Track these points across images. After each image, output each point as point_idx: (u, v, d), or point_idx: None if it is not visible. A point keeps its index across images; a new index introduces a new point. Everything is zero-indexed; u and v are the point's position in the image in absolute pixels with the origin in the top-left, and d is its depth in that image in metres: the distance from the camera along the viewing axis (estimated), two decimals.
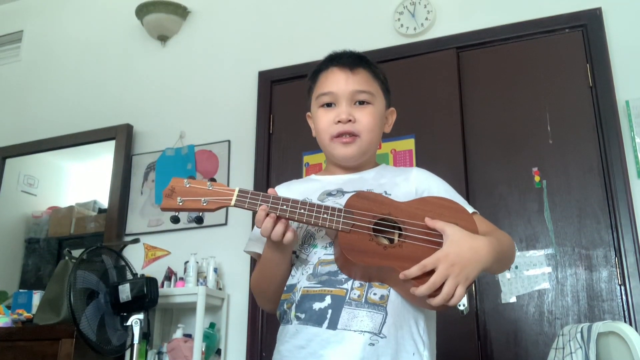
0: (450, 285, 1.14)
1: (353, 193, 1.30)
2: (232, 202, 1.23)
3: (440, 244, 1.20)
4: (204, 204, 1.22)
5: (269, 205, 1.21)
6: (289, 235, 1.22)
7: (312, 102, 1.48)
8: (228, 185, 3.51)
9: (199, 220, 1.29)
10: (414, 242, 1.21)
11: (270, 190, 1.25)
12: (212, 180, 1.26)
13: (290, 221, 1.24)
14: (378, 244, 1.21)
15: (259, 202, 1.22)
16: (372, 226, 1.23)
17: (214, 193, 1.23)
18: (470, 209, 1.35)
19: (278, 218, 1.21)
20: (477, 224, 1.29)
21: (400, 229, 1.24)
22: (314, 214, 1.22)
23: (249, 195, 1.23)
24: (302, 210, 1.22)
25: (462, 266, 1.15)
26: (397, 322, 1.21)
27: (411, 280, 1.15)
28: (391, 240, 1.25)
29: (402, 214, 1.25)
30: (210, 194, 1.23)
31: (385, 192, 1.34)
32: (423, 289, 1.14)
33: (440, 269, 1.14)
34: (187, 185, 1.24)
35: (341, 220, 1.22)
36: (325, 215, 1.22)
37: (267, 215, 1.21)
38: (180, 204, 1.22)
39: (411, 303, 1.22)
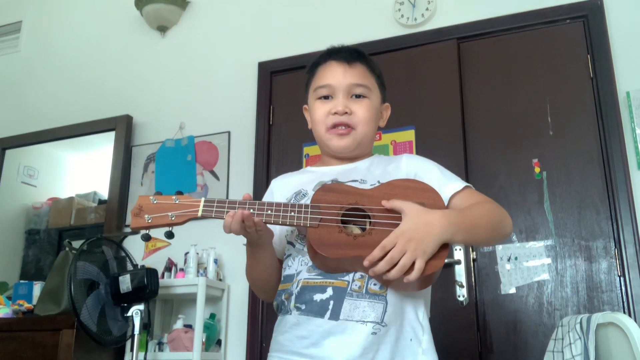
0: (406, 259, 1.15)
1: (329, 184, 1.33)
2: (199, 213, 1.26)
3: None
4: (172, 219, 1.26)
5: (236, 211, 1.24)
6: (257, 229, 1.26)
7: (310, 95, 1.50)
8: (228, 176, 3.49)
9: (169, 235, 1.31)
10: (383, 227, 1.22)
11: (245, 196, 1.28)
12: (179, 193, 1.29)
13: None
14: (347, 235, 1.23)
15: (225, 210, 1.25)
16: (339, 218, 1.24)
17: (181, 206, 1.26)
18: (462, 184, 1.37)
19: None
20: (466, 199, 1.33)
21: (369, 216, 1.25)
22: (281, 213, 1.25)
23: (215, 204, 1.26)
24: (269, 212, 1.25)
25: (419, 240, 1.17)
26: (397, 311, 1.24)
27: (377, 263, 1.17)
28: (363, 228, 1.26)
29: (369, 201, 1.27)
30: (177, 207, 1.26)
31: (379, 182, 1.36)
32: (382, 265, 1.16)
33: (398, 245, 1.16)
34: (154, 202, 1.27)
35: (309, 216, 1.24)
36: (292, 214, 1.24)
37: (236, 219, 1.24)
38: (149, 221, 1.26)
39: (390, 288, 1.24)
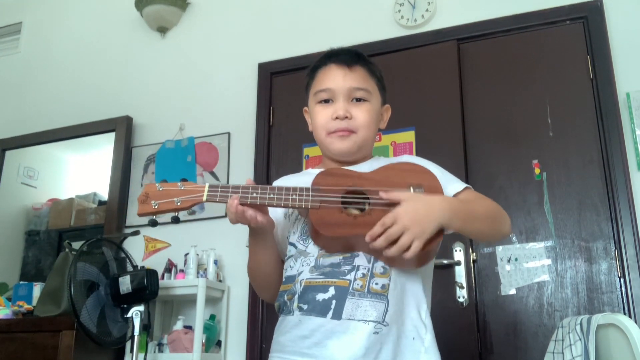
0: (406, 238, 1.18)
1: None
2: (204, 198, 1.28)
3: None
4: (178, 204, 1.29)
5: (239, 195, 1.26)
6: (253, 223, 1.29)
7: (310, 98, 1.50)
8: (228, 178, 3.49)
9: (176, 220, 1.33)
10: (381, 207, 1.25)
11: (248, 181, 1.31)
12: (184, 180, 1.32)
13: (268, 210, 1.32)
14: (348, 215, 1.26)
15: (229, 194, 1.27)
16: (340, 199, 1.28)
17: (186, 192, 1.29)
18: (462, 185, 1.39)
19: (250, 206, 1.27)
20: (465, 197, 1.36)
21: (368, 198, 1.29)
22: (283, 196, 1.27)
23: (219, 189, 1.29)
24: (271, 195, 1.27)
25: (418, 221, 1.19)
26: (399, 310, 1.25)
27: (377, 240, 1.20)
28: (362, 210, 1.29)
29: (368, 183, 1.30)
30: (182, 193, 1.29)
31: None
32: (380, 241, 1.18)
33: (398, 223, 1.18)
34: (160, 189, 1.30)
35: (310, 197, 1.27)
36: (294, 196, 1.27)
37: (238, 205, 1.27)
38: (156, 207, 1.29)
39: (391, 265, 1.26)
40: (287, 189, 1.28)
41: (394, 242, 1.18)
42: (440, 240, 1.23)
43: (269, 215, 1.33)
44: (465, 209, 1.29)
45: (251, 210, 1.27)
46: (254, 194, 1.27)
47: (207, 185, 1.29)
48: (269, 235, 1.37)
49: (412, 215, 1.19)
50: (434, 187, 1.30)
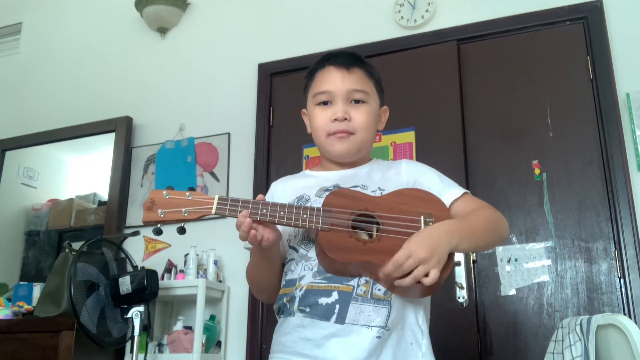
0: (421, 270, 1.16)
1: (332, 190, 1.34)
2: (213, 211, 1.26)
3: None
4: (185, 214, 1.26)
5: (249, 210, 1.25)
6: (264, 244, 1.28)
7: (308, 100, 1.50)
8: (228, 178, 3.47)
9: (182, 230, 1.31)
10: (391, 235, 1.24)
11: (259, 197, 1.29)
12: (191, 189, 1.29)
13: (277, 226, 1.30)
14: (357, 240, 1.25)
15: (239, 209, 1.25)
16: (350, 222, 1.26)
17: (194, 203, 1.27)
18: (460, 191, 1.40)
19: (259, 223, 1.25)
20: (465, 205, 1.36)
21: (377, 223, 1.27)
22: (294, 215, 1.26)
23: (229, 202, 1.27)
24: (281, 213, 1.26)
25: (432, 251, 1.17)
26: (399, 315, 1.26)
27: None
28: (370, 234, 1.28)
29: (379, 208, 1.29)
30: (190, 204, 1.27)
31: (379, 188, 1.37)
32: (396, 275, 1.16)
33: (413, 257, 1.16)
34: (167, 197, 1.27)
35: (320, 219, 1.25)
36: (304, 216, 1.26)
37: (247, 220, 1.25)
38: (162, 216, 1.26)
39: (394, 293, 1.25)
40: (298, 207, 1.27)
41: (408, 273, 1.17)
42: (449, 272, 1.21)
43: (278, 230, 1.32)
44: (469, 230, 1.28)
45: (261, 228, 1.26)
46: (264, 211, 1.25)
47: (216, 197, 1.27)
48: (275, 247, 1.36)
49: (425, 247, 1.17)
50: (443, 217, 1.29)
